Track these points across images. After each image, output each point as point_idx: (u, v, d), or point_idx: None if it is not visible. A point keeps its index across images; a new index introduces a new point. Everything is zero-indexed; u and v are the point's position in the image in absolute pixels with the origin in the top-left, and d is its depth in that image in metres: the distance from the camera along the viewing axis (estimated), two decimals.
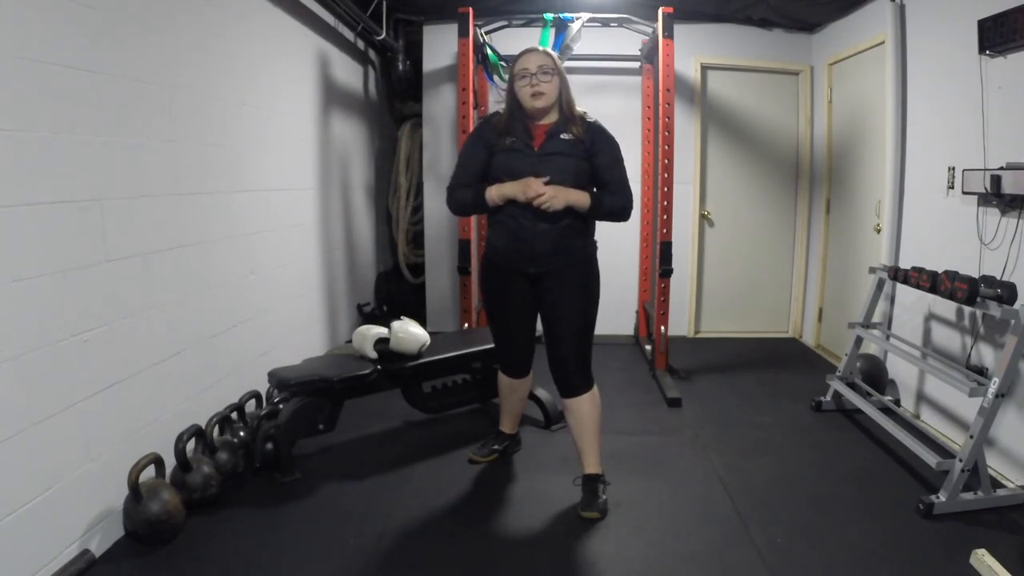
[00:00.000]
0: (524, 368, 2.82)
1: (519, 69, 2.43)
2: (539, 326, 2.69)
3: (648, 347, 4.41)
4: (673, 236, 4.06)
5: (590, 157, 2.45)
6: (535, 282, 2.53)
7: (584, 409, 2.56)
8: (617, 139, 2.52)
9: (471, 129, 3.99)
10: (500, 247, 2.54)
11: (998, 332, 2.86)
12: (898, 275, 3.16)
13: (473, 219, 4.15)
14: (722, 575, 2.16)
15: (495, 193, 2.44)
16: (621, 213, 2.50)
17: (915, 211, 3.55)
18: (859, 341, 3.47)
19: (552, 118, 2.48)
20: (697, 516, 2.53)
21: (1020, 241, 2.71)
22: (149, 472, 2.31)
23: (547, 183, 2.36)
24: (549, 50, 2.50)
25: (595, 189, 2.50)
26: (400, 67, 5.09)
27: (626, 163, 2.53)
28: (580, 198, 2.41)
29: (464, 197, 2.53)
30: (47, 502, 1.95)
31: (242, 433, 2.79)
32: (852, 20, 4.29)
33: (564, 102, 2.46)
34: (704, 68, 4.95)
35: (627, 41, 4.72)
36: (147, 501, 2.21)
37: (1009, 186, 2.69)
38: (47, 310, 1.94)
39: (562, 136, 2.43)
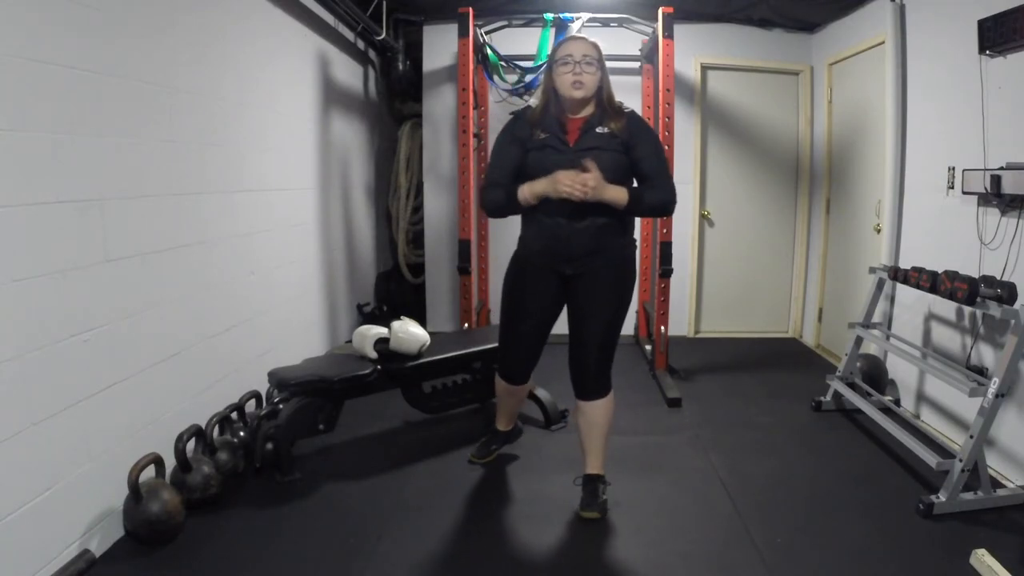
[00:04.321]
0: (525, 376, 2.73)
1: (562, 55, 2.32)
2: (550, 331, 2.62)
3: (648, 347, 4.41)
4: (673, 236, 4.06)
5: (628, 150, 2.34)
6: (568, 283, 2.45)
7: (598, 413, 2.51)
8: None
9: (471, 129, 4.01)
10: (535, 245, 2.45)
11: (998, 332, 2.86)
12: (898, 275, 3.16)
13: (473, 219, 4.15)
14: (722, 575, 2.16)
15: (527, 192, 2.32)
16: (663, 208, 2.41)
17: (915, 211, 3.55)
18: (859, 341, 3.47)
19: (588, 111, 2.38)
20: (697, 516, 2.53)
21: (1020, 241, 2.71)
22: (149, 472, 2.31)
23: (586, 169, 2.22)
24: (597, 42, 2.36)
25: (635, 183, 2.39)
26: (400, 67, 5.09)
27: (664, 152, 2.42)
28: (618, 195, 2.27)
29: (497, 197, 2.40)
30: (47, 502, 1.94)
31: (242, 433, 2.80)
32: (852, 20, 4.29)
33: (604, 95, 2.37)
34: (704, 68, 4.95)
35: (627, 41, 4.71)
36: (147, 501, 2.21)
37: (1009, 186, 2.69)
38: (47, 310, 1.94)
39: (598, 130, 2.33)
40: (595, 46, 2.34)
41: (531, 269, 2.49)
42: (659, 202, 2.38)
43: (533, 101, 2.51)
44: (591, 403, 2.51)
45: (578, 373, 2.51)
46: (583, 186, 2.21)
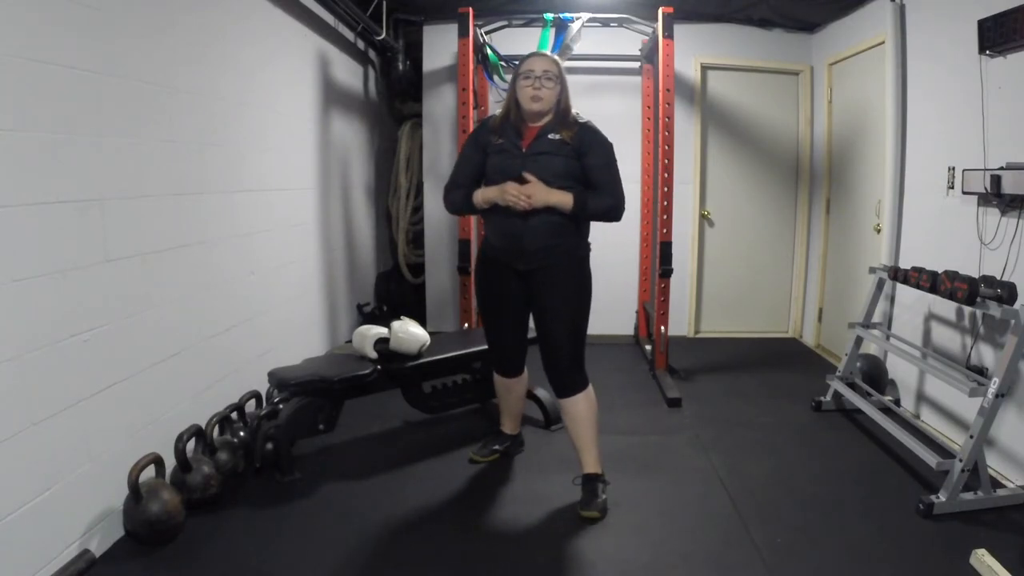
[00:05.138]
0: (517, 366, 2.83)
1: (524, 69, 2.47)
2: (527, 323, 2.71)
3: (648, 347, 4.41)
4: (673, 236, 4.06)
5: (580, 157, 2.46)
6: (526, 279, 2.55)
7: (579, 408, 2.56)
8: (617, 139, 2.53)
9: (471, 129, 4.01)
10: (494, 243, 2.58)
11: (998, 332, 2.86)
12: (898, 275, 3.16)
13: (473, 219, 4.15)
14: (722, 575, 2.16)
15: (480, 197, 2.51)
16: (608, 213, 2.48)
17: (915, 211, 3.55)
18: (859, 341, 3.47)
19: (545, 120, 2.51)
20: (697, 516, 2.53)
21: (1020, 241, 2.71)
22: (149, 472, 2.31)
23: (527, 181, 2.39)
24: (557, 58, 2.53)
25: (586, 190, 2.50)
26: (400, 67, 5.09)
27: (625, 163, 2.56)
28: (562, 198, 2.41)
29: (456, 198, 2.59)
30: (47, 502, 1.94)
31: (242, 433, 2.80)
32: (852, 20, 4.29)
33: (562, 107, 2.49)
34: (704, 68, 4.95)
35: (627, 41, 4.72)
36: (147, 501, 2.21)
37: (1009, 186, 2.69)
38: (47, 310, 1.94)
39: (550, 136, 2.46)
40: (556, 63, 2.50)
41: (493, 267, 2.63)
42: (605, 207, 2.48)
43: (498, 109, 2.62)
44: (571, 399, 2.57)
45: (551, 372, 2.60)
46: (527, 198, 2.38)
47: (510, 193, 2.40)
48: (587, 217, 2.51)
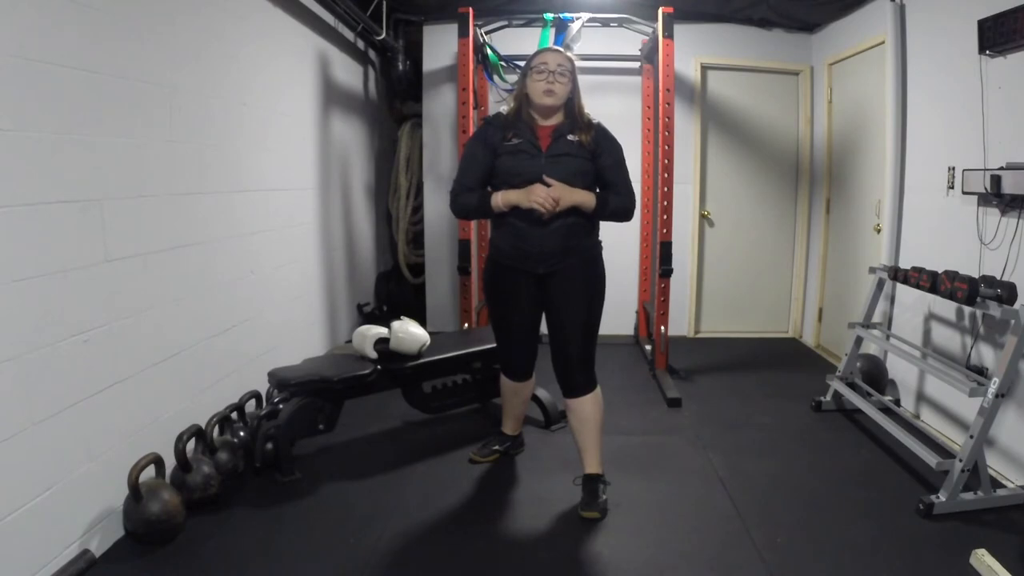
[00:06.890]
0: (527, 371, 2.81)
1: (537, 63, 2.44)
2: (542, 327, 2.69)
3: (648, 347, 4.41)
4: (673, 236, 4.06)
5: (594, 158, 2.46)
6: (541, 282, 2.53)
7: (586, 409, 2.56)
8: (617, 139, 2.53)
9: (471, 129, 4.01)
10: (506, 248, 2.53)
11: (998, 332, 2.86)
12: (898, 275, 3.16)
13: (473, 220, 4.15)
14: (722, 575, 2.16)
15: (501, 200, 2.43)
16: (625, 214, 2.51)
17: (915, 211, 3.55)
18: (859, 341, 3.47)
19: (558, 119, 2.48)
20: (697, 516, 2.53)
21: (1020, 241, 2.71)
22: (149, 472, 2.31)
23: (550, 184, 2.37)
24: (571, 55, 2.50)
25: (598, 189, 2.50)
26: (400, 67, 5.09)
27: (626, 163, 2.54)
28: (586, 198, 2.42)
29: (468, 202, 2.51)
30: (47, 502, 1.95)
31: (242, 433, 2.80)
32: (852, 20, 4.29)
33: (575, 106, 2.48)
34: (704, 68, 4.95)
35: (627, 41, 4.72)
36: (147, 501, 2.21)
37: (1009, 186, 2.69)
38: (47, 310, 1.94)
39: (568, 137, 2.44)
40: (569, 59, 2.47)
41: (505, 272, 2.58)
42: (622, 207, 2.50)
43: (504, 107, 2.58)
44: (579, 400, 2.56)
45: (562, 371, 2.57)
46: (552, 203, 2.35)
47: (538, 197, 2.34)
48: (604, 218, 2.51)
